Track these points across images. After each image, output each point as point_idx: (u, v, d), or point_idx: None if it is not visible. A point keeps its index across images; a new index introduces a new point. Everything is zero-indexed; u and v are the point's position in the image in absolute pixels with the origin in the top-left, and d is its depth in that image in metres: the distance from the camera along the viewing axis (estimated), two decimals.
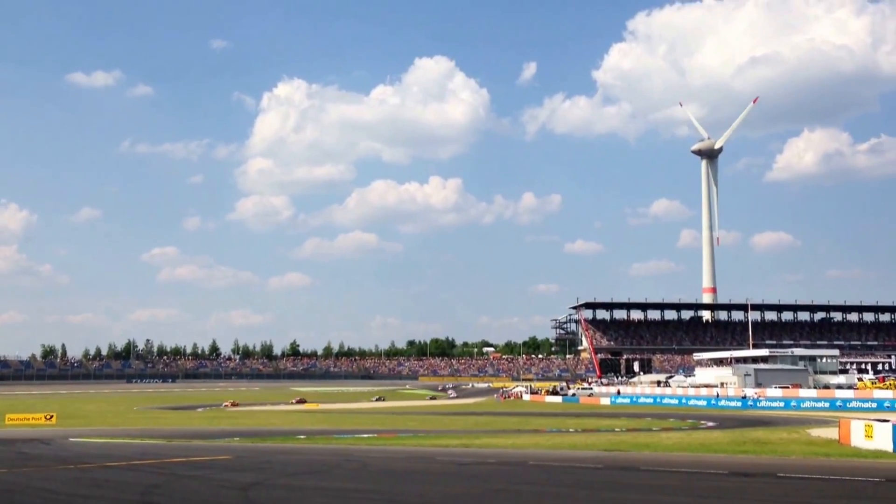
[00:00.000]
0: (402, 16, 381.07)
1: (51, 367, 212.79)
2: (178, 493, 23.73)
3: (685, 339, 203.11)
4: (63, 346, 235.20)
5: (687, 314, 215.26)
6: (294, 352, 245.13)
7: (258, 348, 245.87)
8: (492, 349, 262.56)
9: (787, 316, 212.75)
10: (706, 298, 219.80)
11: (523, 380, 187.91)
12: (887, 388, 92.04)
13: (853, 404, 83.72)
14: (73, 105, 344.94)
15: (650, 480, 26.10)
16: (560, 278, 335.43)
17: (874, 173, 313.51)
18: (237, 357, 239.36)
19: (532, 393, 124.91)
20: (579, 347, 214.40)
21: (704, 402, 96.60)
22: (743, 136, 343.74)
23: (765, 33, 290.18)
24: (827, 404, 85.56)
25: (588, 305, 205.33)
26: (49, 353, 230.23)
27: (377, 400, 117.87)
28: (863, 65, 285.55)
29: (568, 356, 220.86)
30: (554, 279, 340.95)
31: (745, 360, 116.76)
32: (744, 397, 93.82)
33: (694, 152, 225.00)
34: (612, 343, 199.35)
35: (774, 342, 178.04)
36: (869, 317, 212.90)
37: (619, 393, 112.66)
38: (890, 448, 33.29)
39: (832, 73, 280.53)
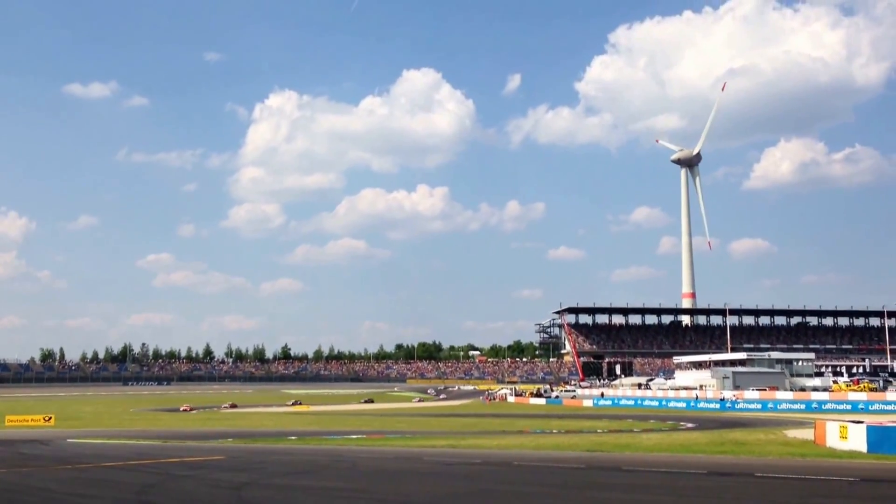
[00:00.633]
0: (390, 29, 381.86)
1: (49, 370, 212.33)
2: (173, 493, 23.67)
3: (665, 342, 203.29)
4: (61, 349, 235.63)
5: (667, 319, 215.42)
6: (285, 355, 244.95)
7: (251, 352, 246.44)
8: (477, 353, 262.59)
9: (765, 320, 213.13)
10: (685, 303, 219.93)
11: (508, 382, 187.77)
12: (861, 391, 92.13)
13: (828, 406, 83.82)
14: (70, 115, 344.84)
15: (632, 480, 26.11)
16: (544, 284, 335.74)
17: (849, 182, 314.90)
18: (230, 360, 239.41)
19: (517, 395, 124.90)
20: (562, 351, 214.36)
21: (684, 404, 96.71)
22: (721, 145, 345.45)
23: (742, 46, 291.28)
24: (803, 406, 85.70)
25: (571, 310, 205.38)
26: (47, 356, 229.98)
27: (366, 402, 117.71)
28: (837, 76, 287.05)
29: (551, 359, 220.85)
30: (538, 285, 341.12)
31: (723, 363, 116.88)
32: (722, 399, 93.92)
33: (674, 161, 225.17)
34: (594, 347, 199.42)
35: (752, 346, 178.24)
36: (843, 321, 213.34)
37: (602, 395, 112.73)
38: (864, 448, 33.37)
39: (808, 85, 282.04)
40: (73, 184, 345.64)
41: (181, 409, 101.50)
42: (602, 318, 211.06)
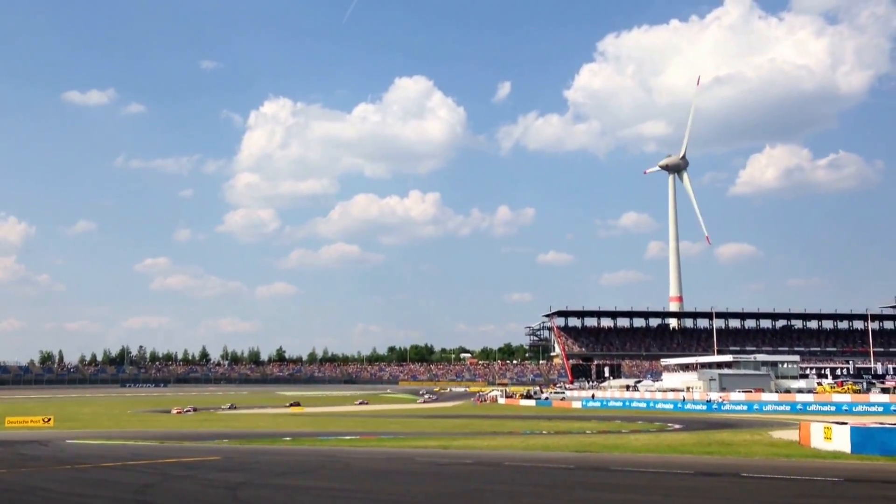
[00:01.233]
0: (382, 37, 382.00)
1: (48, 373, 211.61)
2: (169, 492, 23.63)
3: (653, 345, 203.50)
4: (60, 352, 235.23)
5: (654, 322, 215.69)
6: (280, 357, 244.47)
7: (246, 354, 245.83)
8: (468, 355, 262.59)
9: (750, 323, 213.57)
10: (673, 307, 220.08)
11: (499, 384, 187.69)
12: (845, 393, 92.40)
13: (813, 408, 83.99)
14: (69, 122, 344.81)
15: (620, 480, 26.13)
16: (533, 288, 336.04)
17: (833, 187, 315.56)
18: (226, 363, 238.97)
19: (507, 397, 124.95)
20: (552, 353, 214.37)
21: (671, 406, 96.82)
22: (707, 152, 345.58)
23: (728, 54, 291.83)
24: (788, 408, 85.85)
25: (560, 313, 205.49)
26: (47, 358, 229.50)
27: (360, 403, 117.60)
28: (822, 84, 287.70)
29: (541, 362, 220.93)
30: (528, 288, 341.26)
31: (710, 365, 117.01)
32: (709, 401, 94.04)
33: (661, 167, 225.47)
34: (583, 349, 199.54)
35: (738, 348, 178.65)
36: (828, 324, 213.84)
37: (593, 397, 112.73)
38: (848, 449, 33.44)
39: (793, 92, 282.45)
40: (71, 189, 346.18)
41: (174, 410, 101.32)
42: (591, 322, 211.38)
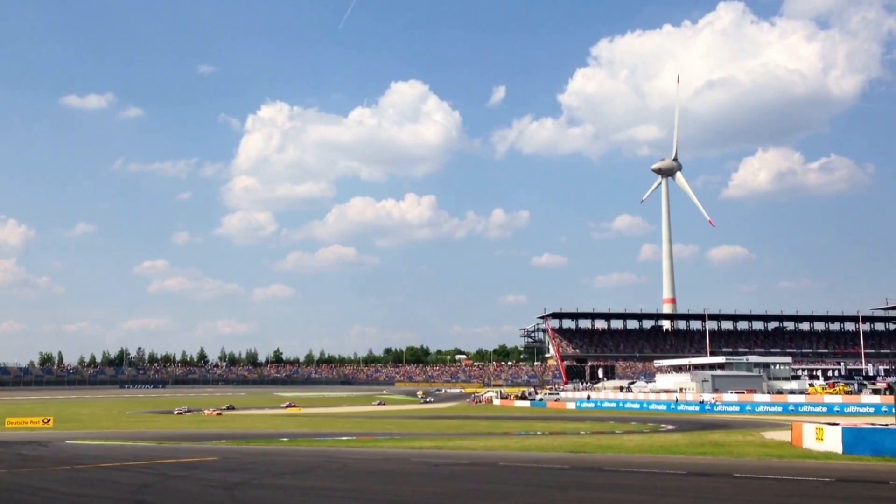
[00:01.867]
0: (378, 42, 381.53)
1: (48, 374, 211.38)
2: (168, 492, 23.66)
3: (646, 347, 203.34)
4: (59, 353, 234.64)
5: (648, 323, 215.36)
6: (277, 359, 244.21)
7: (244, 356, 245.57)
8: (464, 356, 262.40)
9: (743, 325, 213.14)
10: (666, 309, 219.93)
11: (494, 386, 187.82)
12: (837, 394, 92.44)
13: (805, 409, 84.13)
14: (68, 126, 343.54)
15: (613, 480, 26.17)
16: (528, 290, 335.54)
17: (824, 191, 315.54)
18: (224, 364, 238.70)
19: (502, 398, 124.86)
20: (546, 355, 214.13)
21: (664, 407, 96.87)
22: (700, 155, 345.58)
23: (721, 58, 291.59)
24: (780, 409, 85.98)
25: (554, 315, 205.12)
26: (46, 360, 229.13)
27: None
28: (814, 88, 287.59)
29: (536, 363, 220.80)
30: (522, 291, 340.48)
31: (702, 366, 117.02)
32: (701, 402, 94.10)
33: (654, 171, 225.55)
34: (577, 351, 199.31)
35: (730, 350, 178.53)
36: (819, 326, 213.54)
37: (589, 398, 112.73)
38: (839, 450, 33.52)
39: (785, 96, 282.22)
40: (70, 193, 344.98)
41: (176, 411, 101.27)
42: (585, 323, 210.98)
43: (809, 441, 36.46)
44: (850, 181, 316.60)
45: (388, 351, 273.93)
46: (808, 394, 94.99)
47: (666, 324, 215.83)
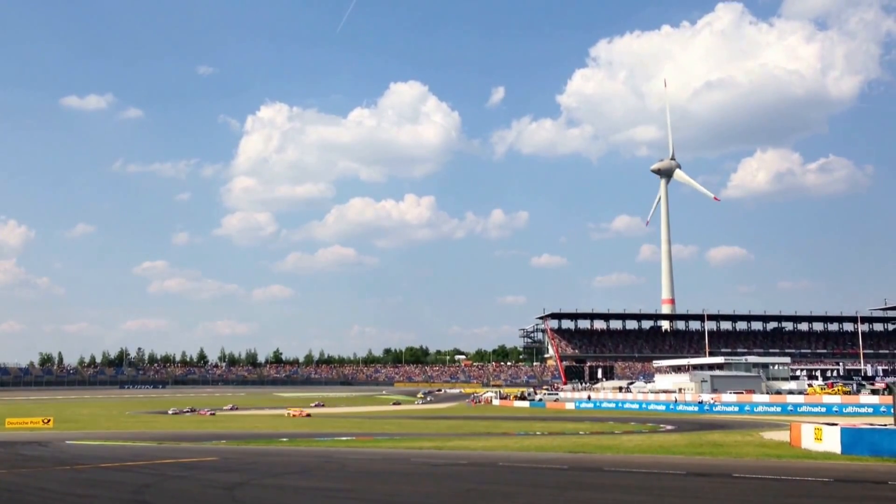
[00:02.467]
0: (377, 42, 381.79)
1: (48, 374, 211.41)
2: (167, 493, 23.64)
3: (645, 347, 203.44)
4: (59, 354, 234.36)
5: (647, 324, 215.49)
6: (277, 359, 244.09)
7: (243, 356, 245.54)
8: (463, 357, 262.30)
9: (742, 326, 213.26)
10: (665, 309, 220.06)
11: (493, 386, 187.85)
12: (835, 394, 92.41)
13: (803, 409, 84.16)
14: (68, 127, 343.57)
15: (612, 480, 26.16)
16: (527, 290, 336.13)
17: (823, 191, 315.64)
18: (223, 364, 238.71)
19: (501, 398, 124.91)
20: (545, 355, 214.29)
21: (663, 407, 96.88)
22: (699, 156, 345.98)
23: (719, 59, 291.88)
24: (779, 409, 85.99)
25: (554, 316, 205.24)
26: (46, 360, 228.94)
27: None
28: (812, 89, 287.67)
29: (535, 363, 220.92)
30: (521, 291, 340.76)
31: (701, 367, 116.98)
32: (700, 402, 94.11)
33: (653, 171, 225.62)
34: (576, 351, 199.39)
35: (729, 350, 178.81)
36: (818, 326, 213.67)
37: (589, 398, 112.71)
38: (838, 450, 33.51)
39: (783, 97, 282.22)
40: (70, 193, 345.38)
41: (170, 411, 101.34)
42: (584, 324, 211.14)
43: (808, 441, 36.44)
44: (848, 182, 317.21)
45: (387, 351, 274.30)
46: (807, 394, 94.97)
47: (665, 324, 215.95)
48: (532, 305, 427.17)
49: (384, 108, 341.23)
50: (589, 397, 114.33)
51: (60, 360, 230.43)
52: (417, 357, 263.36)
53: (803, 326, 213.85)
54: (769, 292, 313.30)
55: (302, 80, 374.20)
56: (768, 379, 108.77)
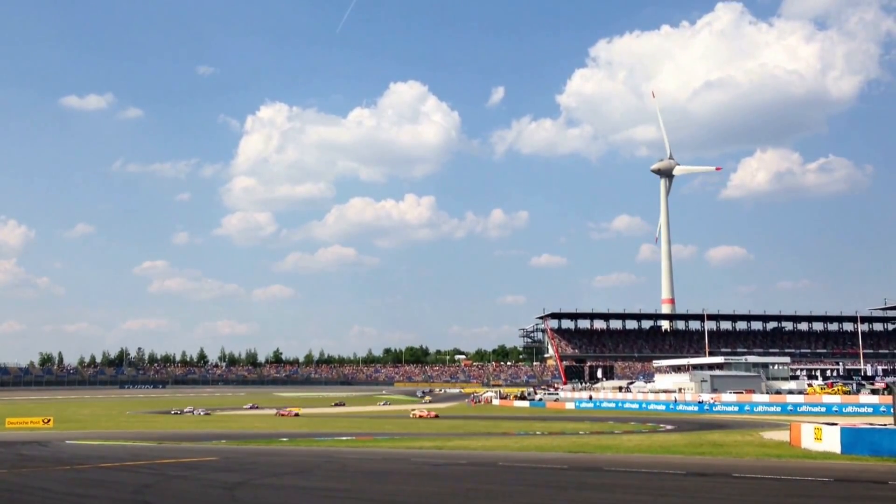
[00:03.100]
0: (377, 43, 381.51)
1: (48, 374, 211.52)
2: (168, 492, 23.66)
3: (645, 347, 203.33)
4: (59, 353, 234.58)
5: (647, 324, 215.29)
6: (277, 359, 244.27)
7: (243, 356, 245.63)
8: (463, 357, 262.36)
9: (741, 325, 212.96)
10: (665, 309, 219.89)
11: (493, 386, 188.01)
12: (835, 394, 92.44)
13: (803, 409, 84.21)
14: (67, 126, 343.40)
15: (612, 480, 26.18)
16: (527, 290, 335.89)
17: (822, 191, 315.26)
18: (224, 364, 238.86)
19: (501, 398, 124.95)
20: (545, 355, 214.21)
21: (663, 407, 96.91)
22: (699, 155, 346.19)
23: (719, 59, 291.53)
24: (779, 409, 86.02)
25: (554, 315, 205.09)
26: (46, 360, 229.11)
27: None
28: (812, 89, 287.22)
29: (535, 363, 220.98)
30: (521, 291, 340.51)
31: (701, 367, 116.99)
32: (700, 402, 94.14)
33: (653, 171, 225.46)
34: (576, 351, 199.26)
35: (729, 350, 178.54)
36: (818, 326, 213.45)
37: (591, 398, 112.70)
38: (838, 450, 33.53)
39: (783, 97, 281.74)
40: (70, 193, 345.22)
41: (172, 411, 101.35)
42: (584, 324, 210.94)
43: (808, 441, 36.46)
44: (848, 182, 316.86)
45: (387, 351, 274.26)
46: (807, 394, 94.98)
47: (665, 324, 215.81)
48: (532, 305, 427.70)
49: (384, 108, 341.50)
50: (590, 397, 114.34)
51: (60, 359, 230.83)
52: (417, 357, 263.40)
53: (803, 326, 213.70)
54: (769, 292, 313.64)
55: (302, 80, 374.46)
56: (768, 379, 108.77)
